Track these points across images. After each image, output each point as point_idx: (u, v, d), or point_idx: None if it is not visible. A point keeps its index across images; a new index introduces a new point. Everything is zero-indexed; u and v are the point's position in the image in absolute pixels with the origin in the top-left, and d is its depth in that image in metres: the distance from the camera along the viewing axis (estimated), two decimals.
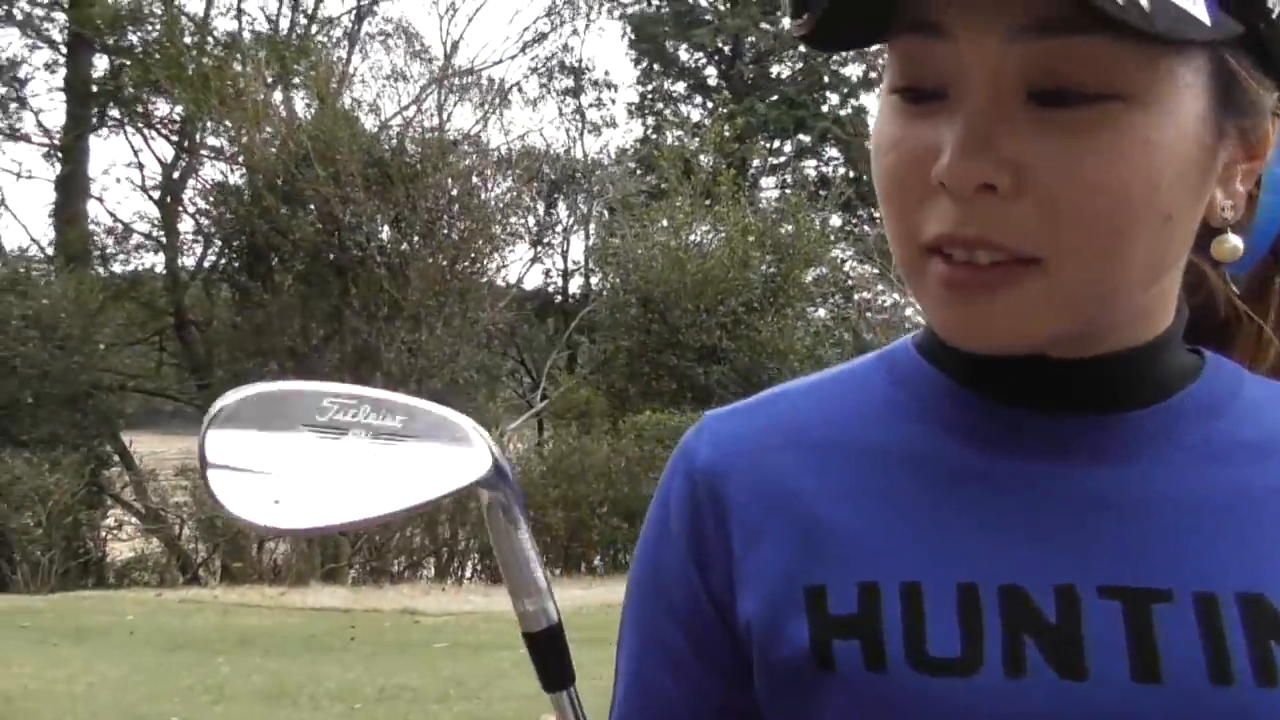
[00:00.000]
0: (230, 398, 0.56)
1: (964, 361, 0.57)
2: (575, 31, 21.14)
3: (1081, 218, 0.49)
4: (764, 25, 21.78)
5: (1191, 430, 0.55)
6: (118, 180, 23.32)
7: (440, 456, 0.55)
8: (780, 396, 0.65)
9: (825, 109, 22.31)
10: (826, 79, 22.58)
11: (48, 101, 20.53)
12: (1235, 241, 0.56)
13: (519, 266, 18.36)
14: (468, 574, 11.97)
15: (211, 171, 14.72)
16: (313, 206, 11.80)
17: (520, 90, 18.41)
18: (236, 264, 13.07)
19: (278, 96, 14.33)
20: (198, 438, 0.55)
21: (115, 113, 15.64)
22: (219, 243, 13.38)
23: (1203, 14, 0.46)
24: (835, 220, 17.71)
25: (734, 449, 0.61)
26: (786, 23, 21.80)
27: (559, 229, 17.63)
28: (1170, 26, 0.45)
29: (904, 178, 0.53)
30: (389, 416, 0.52)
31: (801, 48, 22.23)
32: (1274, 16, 0.50)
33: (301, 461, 0.53)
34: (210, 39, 15.72)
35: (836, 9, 0.50)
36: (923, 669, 0.52)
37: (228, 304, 13.02)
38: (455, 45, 17.58)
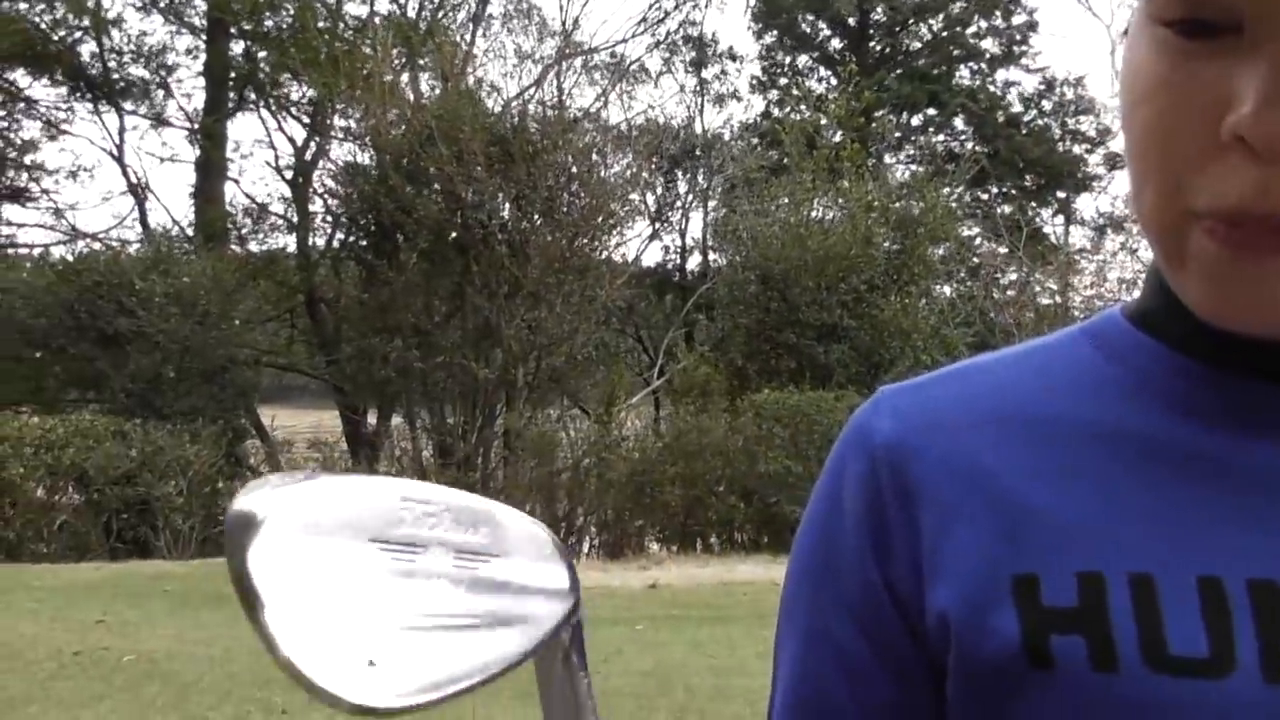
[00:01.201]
0: (280, 498, 0.40)
1: (1192, 330, 0.51)
2: (697, 5, 20.92)
3: None
4: None
5: None
6: (244, 157, 24.15)
7: (528, 583, 0.44)
8: (969, 369, 0.58)
9: (956, 83, 21.61)
10: (958, 52, 21.85)
11: (190, 86, 21.49)
12: None
13: (637, 243, 18.35)
14: (585, 549, 12.07)
15: (340, 152, 15.16)
16: (436, 185, 12.01)
17: (643, 67, 18.35)
18: (363, 243, 13.42)
19: (404, 78, 14.65)
20: (233, 552, 0.39)
21: (251, 96, 16.25)
22: (347, 222, 13.76)
23: None
24: (964, 196, 17.13)
25: (921, 424, 0.56)
26: None
27: (678, 205, 17.54)
28: None
29: (1177, 129, 0.46)
30: (472, 530, 0.41)
31: (932, 19, 21.55)
32: None
33: (387, 600, 0.40)
34: (341, 23, 16.16)
35: None
36: (1163, 669, 0.46)
37: (355, 282, 13.38)
38: (576, 22, 17.60)
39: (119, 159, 16.07)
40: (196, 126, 16.10)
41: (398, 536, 0.39)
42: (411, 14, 16.92)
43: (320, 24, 15.28)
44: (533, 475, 11.72)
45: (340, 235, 14.52)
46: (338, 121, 14.53)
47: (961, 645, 0.51)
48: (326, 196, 14.38)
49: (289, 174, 16.04)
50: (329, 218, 14.87)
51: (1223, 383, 0.51)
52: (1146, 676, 0.46)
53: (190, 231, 15.60)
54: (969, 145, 20.69)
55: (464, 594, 0.41)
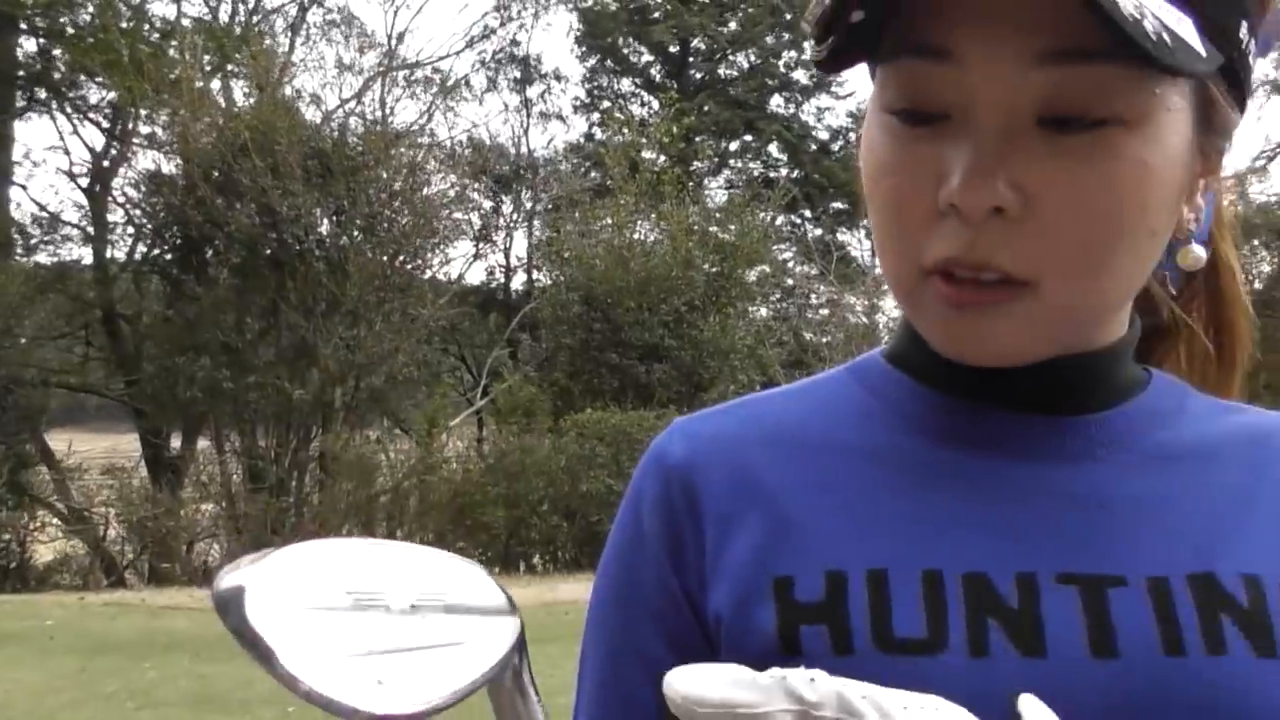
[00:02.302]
0: (257, 569, 0.49)
1: (931, 363, 0.59)
2: (523, 26, 20.98)
3: (1080, 239, 0.52)
4: (717, 28, 21.87)
5: (1143, 436, 0.59)
6: (36, 164, 22.46)
7: (481, 607, 0.52)
8: (752, 401, 0.66)
9: (771, 110, 22.48)
10: (772, 82, 22.74)
11: None
12: (1199, 251, 0.60)
13: (462, 262, 18.18)
14: None
15: (144, 160, 14.35)
16: (250, 199, 11.55)
17: (468, 85, 18.22)
18: (169, 256, 12.74)
19: (215, 85, 14.01)
20: (235, 617, 0.47)
21: (43, 96, 15.17)
22: (150, 234, 13.02)
23: (1199, 47, 0.49)
24: (779, 220, 17.83)
25: (707, 445, 0.62)
26: (733, 25, 21.95)
27: (503, 224, 17.49)
28: (1181, 60, 0.48)
29: (906, 201, 0.54)
30: (423, 573, 0.47)
31: (749, 50, 22.37)
32: (1244, 48, 0.55)
33: (371, 634, 0.48)
34: (147, 24, 15.32)
35: (854, 38, 0.51)
36: (888, 649, 0.53)
37: (159, 297, 12.67)
38: (401, 37, 17.32)
39: None
40: None
41: (365, 586, 0.46)
42: (224, 18, 16.24)
43: (123, 24, 14.43)
44: (350, 498, 11.38)
45: (143, 248, 13.74)
46: (141, 128, 13.75)
47: (729, 641, 0.57)
48: (128, 206, 13.59)
49: (85, 181, 15.03)
50: (130, 229, 14.05)
51: (955, 408, 0.59)
52: (877, 656, 0.53)
53: None
54: (783, 171, 21.56)
55: (434, 623, 0.47)
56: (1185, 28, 0.49)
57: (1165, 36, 0.47)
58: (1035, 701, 0.40)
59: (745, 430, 0.63)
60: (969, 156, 0.51)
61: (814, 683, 0.40)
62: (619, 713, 0.62)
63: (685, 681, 0.41)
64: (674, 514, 0.61)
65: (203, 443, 12.55)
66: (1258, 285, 15.30)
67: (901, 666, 0.52)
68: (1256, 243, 14.67)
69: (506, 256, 18.25)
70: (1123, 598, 0.53)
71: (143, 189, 12.77)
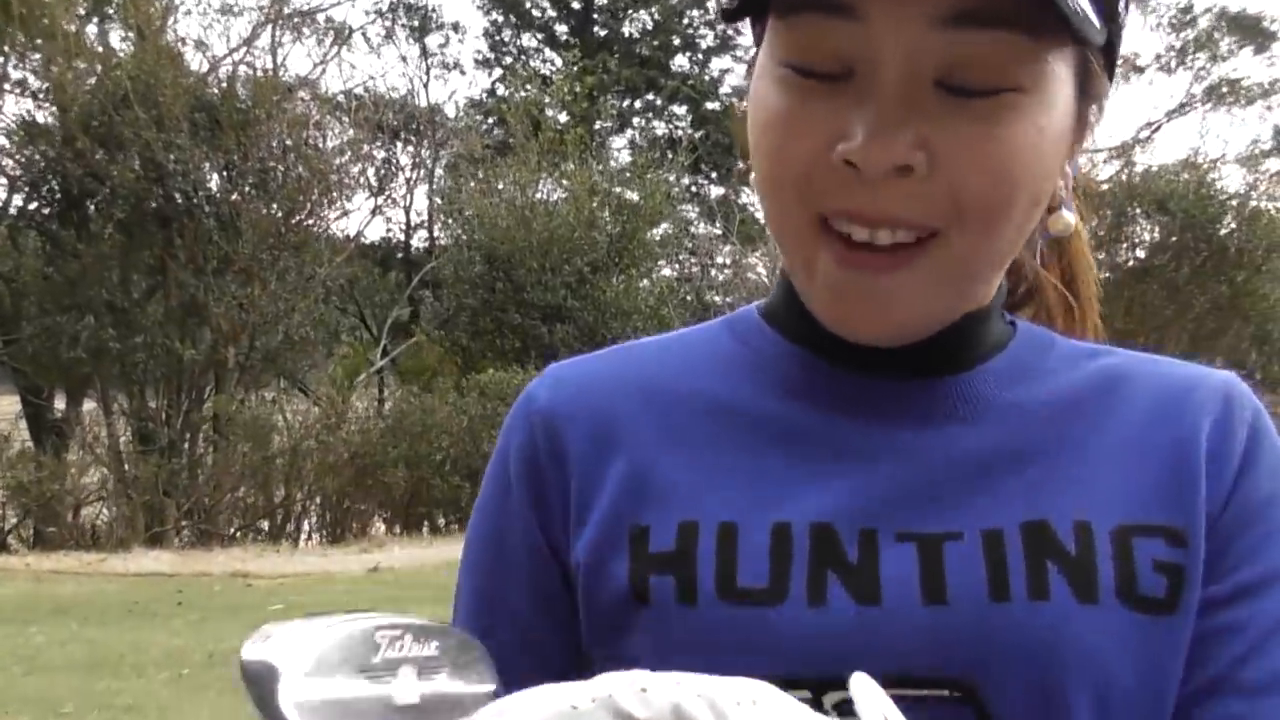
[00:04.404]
0: (284, 646, 0.48)
1: (804, 323, 0.60)
2: None
3: (983, 196, 0.52)
4: None
5: (1002, 392, 0.59)
6: None
7: (468, 679, 0.53)
8: (626, 349, 0.66)
9: (675, 70, 22.45)
10: (677, 40, 22.69)
11: None
12: (1070, 217, 0.62)
13: (359, 218, 17.80)
14: (304, 535, 11.66)
15: (17, 109, 13.61)
16: (133, 151, 11.09)
17: (363, 34, 17.72)
18: (46, 211, 12.18)
19: (92, 30, 13.36)
20: (261, 695, 0.46)
21: None
22: (26, 187, 12.41)
23: (1095, 19, 0.51)
24: (683, 180, 17.89)
25: (573, 393, 0.63)
26: None
27: (401, 180, 17.17)
28: (1087, 31, 0.50)
29: (798, 155, 0.53)
30: (426, 644, 0.49)
31: (653, 8, 22.24)
32: (1120, 21, 0.57)
33: (387, 705, 0.49)
34: None
35: None
36: (730, 599, 0.55)
37: (37, 254, 12.11)
38: None
39: None
40: None
41: (378, 662, 0.48)
42: None
43: None
44: (246, 460, 11.16)
45: (18, 201, 13.09)
46: (11, 73, 13.04)
47: (587, 589, 0.59)
48: (1, 158, 12.91)
49: None
50: (3, 182, 13.36)
51: (820, 369, 0.60)
52: (718, 605, 0.54)
53: None
54: (687, 130, 21.61)
55: (435, 688, 0.50)
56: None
57: (1079, 5, 0.49)
58: (866, 679, 0.40)
59: (612, 379, 0.63)
60: (872, 115, 0.51)
61: (645, 693, 0.36)
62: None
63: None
64: (537, 463, 0.62)
65: (88, 404, 12.12)
66: (1140, 254, 15.99)
67: (742, 616, 0.54)
68: (1138, 211, 15.30)
69: (407, 214, 17.95)
70: (957, 550, 0.55)
71: (16, 139, 12.14)
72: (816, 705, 0.52)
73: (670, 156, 15.91)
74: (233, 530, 11.34)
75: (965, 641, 0.53)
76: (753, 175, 0.57)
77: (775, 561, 0.55)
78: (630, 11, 22.56)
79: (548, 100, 15.79)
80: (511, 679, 0.61)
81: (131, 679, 5.31)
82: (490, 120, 18.19)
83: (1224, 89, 17.31)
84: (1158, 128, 17.72)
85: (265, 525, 11.56)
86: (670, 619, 0.56)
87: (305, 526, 11.77)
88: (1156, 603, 0.55)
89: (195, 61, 13.24)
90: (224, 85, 12.27)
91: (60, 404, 12.41)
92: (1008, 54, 0.51)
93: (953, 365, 0.59)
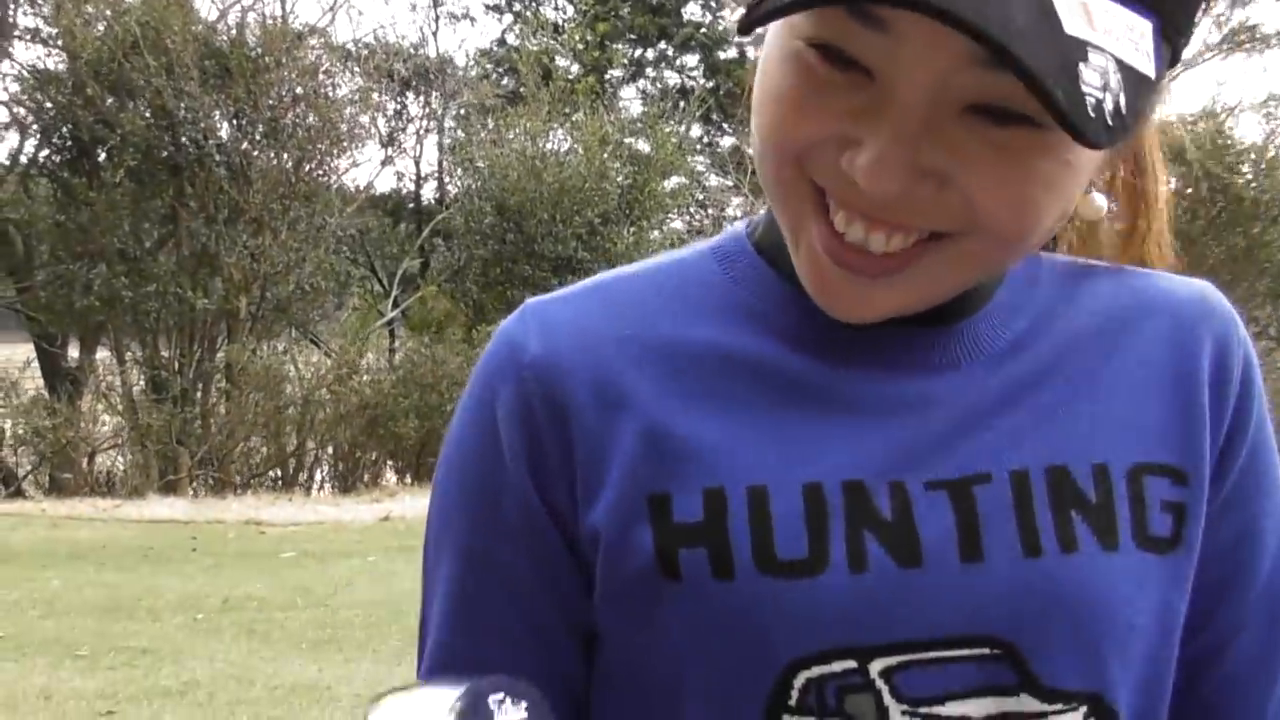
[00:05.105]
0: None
1: None
2: None
3: (999, 221, 0.50)
4: None
5: (1000, 334, 0.59)
6: None
7: None
8: (609, 287, 0.62)
9: (688, 16, 22.17)
10: None
11: None
12: (1100, 201, 0.60)
13: (370, 169, 17.71)
14: (316, 484, 11.77)
15: (27, 55, 13.55)
16: (144, 99, 11.03)
17: None
18: (58, 159, 12.15)
19: None
20: None
21: None
22: (38, 134, 12.38)
23: (1126, 111, 0.47)
24: (695, 130, 17.74)
25: (567, 341, 0.58)
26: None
27: (411, 130, 17.07)
28: (1104, 139, 0.45)
29: (802, 134, 0.51)
30: (519, 705, 0.49)
31: None
32: (1189, 32, 0.53)
33: None
34: None
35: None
36: (770, 572, 0.53)
37: (49, 201, 12.12)
38: None
39: None
40: None
41: None
42: None
43: None
44: (258, 409, 11.24)
45: (30, 148, 13.07)
46: (22, 20, 12.95)
47: (608, 560, 0.56)
48: (12, 105, 12.86)
49: None
50: (16, 129, 13.32)
51: (827, 320, 0.56)
52: (757, 579, 0.53)
53: None
54: (699, 80, 21.37)
55: None
56: (1143, 44, 0.47)
57: (1104, 109, 0.45)
58: None
59: (608, 322, 0.59)
60: (884, 137, 0.48)
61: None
62: (475, 631, 0.60)
63: None
64: (535, 421, 0.57)
65: (102, 352, 12.20)
66: None
67: (783, 588, 0.53)
68: None
69: (417, 164, 17.86)
70: (988, 494, 0.54)
71: (27, 85, 12.09)
72: (863, 674, 0.53)
73: (682, 107, 15.76)
74: (245, 479, 11.45)
75: (1002, 599, 0.53)
76: (751, 139, 0.55)
77: (812, 527, 0.54)
78: None
79: (559, 49, 15.62)
80: (505, 641, 0.60)
81: (147, 622, 5.40)
82: (500, 69, 18.00)
83: (1242, 36, 17.00)
84: (1175, 76, 17.44)
85: (277, 474, 11.67)
86: (707, 594, 0.54)
87: (317, 476, 11.88)
88: (1164, 541, 0.56)
89: (205, 8, 13.17)
90: (233, 33, 12.17)
91: (74, 352, 12.50)
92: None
93: (959, 313, 0.58)
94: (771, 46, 0.53)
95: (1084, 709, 0.54)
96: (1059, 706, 0.54)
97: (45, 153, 12.42)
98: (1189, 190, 14.70)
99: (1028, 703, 0.53)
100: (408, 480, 11.61)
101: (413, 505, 9.48)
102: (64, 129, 11.64)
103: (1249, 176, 14.60)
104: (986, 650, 0.53)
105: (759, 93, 0.53)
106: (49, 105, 11.65)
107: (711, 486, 0.54)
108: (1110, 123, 0.45)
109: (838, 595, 0.53)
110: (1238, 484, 0.59)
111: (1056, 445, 0.56)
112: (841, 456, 0.55)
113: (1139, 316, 0.60)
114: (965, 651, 0.53)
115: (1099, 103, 0.45)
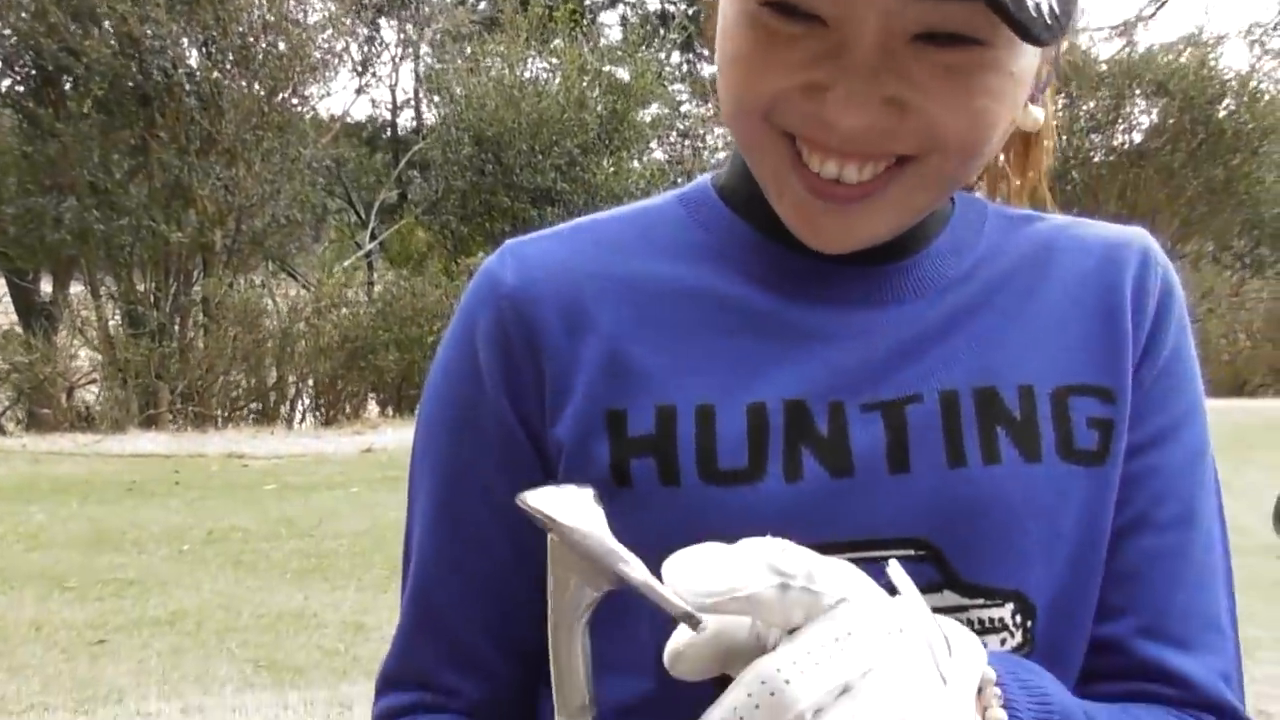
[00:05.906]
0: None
1: (762, 209, 0.62)
2: None
3: (959, 135, 0.55)
4: None
5: (945, 269, 0.64)
6: None
7: None
8: (587, 225, 0.67)
9: None
10: None
11: None
12: (1037, 113, 0.63)
13: (344, 97, 17.40)
14: (298, 417, 11.78)
15: None
16: (109, 26, 10.76)
17: None
18: (21, 88, 11.89)
19: None
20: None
21: None
22: (0, 62, 12.08)
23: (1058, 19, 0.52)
24: (674, 58, 17.49)
25: (541, 274, 0.63)
26: None
27: (386, 57, 16.73)
28: (1046, 36, 0.51)
29: (767, 89, 0.55)
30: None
31: None
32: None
33: None
34: None
35: None
36: (712, 480, 0.58)
37: (14, 132, 11.87)
38: None
39: None
40: None
41: None
42: None
43: None
44: (236, 343, 11.20)
45: None
46: None
47: (569, 469, 0.60)
48: None
49: None
50: None
51: (782, 256, 0.62)
52: (700, 487, 0.58)
53: None
54: (679, 6, 21.01)
55: None
56: None
57: (1043, 9, 0.50)
58: (899, 568, 0.45)
59: (578, 257, 0.64)
60: (849, 76, 0.52)
61: (785, 553, 0.41)
62: (456, 542, 0.65)
63: (683, 573, 0.41)
64: (509, 344, 0.62)
65: (76, 287, 12.07)
66: (1137, 137, 15.79)
67: (723, 495, 0.57)
68: (1137, 92, 15.04)
69: (392, 93, 17.57)
70: (918, 412, 0.59)
71: None
72: None
73: (662, 33, 15.51)
74: (227, 413, 11.45)
75: (927, 505, 0.58)
76: (721, 101, 0.59)
77: (753, 441, 0.58)
78: None
79: None
80: (485, 549, 0.64)
81: (133, 554, 5.44)
82: None
83: None
84: (1163, 3, 17.26)
85: (259, 408, 11.67)
86: (652, 500, 0.58)
87: (299, 408, 11.88)
88: (1089, 454, 0.61)
89: None
90: None
91: (47, 287, 12.36)
92: (982, 19, 0.51)
93: (906, 250, 0.63)
94: (728, 10, 0.57)
95: (1010, 605, 0.59)
96: (980, 601, 0.58)
97: (8, 82, 12.15)
98: (1171, 121, 14.66)
99: (950, 598, 0.58)
100: (389, 412, 11.64)
101: (395, 437, 9.52)
102: (26, 57, 11.36)
103: (1232, 108, 14.56)
104: (913, 551, 0.58)
105: (721, 57, 0.57)
106: (8, 33, 11.35)
107: (664, 404, 0.59)
108: (1049, 22, 0.50)
109: (774, 501, 0.57)
110: (1149, 394, 0.63)
111: (986, 368, 0.61)
112: (787, 379, 0.60)
113: (1069, 254, 0.65)
114: (893, 553, 0.57)
115: (1038, 4, 0.50)
